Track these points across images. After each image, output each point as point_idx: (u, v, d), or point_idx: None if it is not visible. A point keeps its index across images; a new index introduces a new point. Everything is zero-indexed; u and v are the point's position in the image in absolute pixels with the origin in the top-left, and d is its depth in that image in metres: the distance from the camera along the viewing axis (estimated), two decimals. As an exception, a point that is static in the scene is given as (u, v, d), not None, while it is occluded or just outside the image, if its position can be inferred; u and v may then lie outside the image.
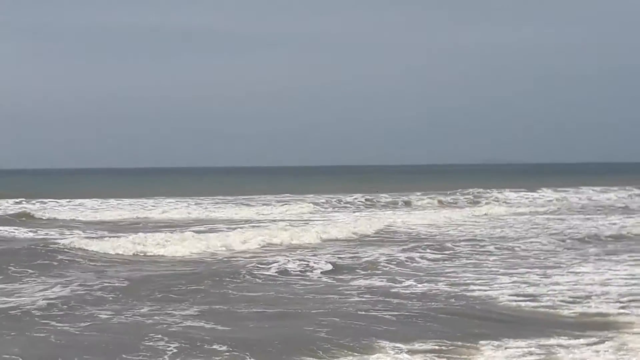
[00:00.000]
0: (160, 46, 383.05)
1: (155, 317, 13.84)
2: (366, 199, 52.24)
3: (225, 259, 22.81)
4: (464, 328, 13.04)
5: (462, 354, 11.55)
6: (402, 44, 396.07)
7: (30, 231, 31.08)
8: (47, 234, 30.18)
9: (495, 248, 24.58)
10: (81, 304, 15.08)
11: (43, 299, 15.50)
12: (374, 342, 12.01)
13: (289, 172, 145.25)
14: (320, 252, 23.85)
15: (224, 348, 11.66)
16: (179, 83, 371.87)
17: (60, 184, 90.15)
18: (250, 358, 11.28)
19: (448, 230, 31.75)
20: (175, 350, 11.54)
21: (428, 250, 23.66)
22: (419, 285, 17.53)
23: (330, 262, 21.09)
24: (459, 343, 12.02)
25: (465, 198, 54.01)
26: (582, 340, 12.16)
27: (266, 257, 22.48)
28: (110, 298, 15.87)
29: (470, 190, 57.53)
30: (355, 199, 52.30)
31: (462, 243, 25.95)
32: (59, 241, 24.96)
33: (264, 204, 48.84)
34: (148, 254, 23.84)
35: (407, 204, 50.83)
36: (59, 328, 13.11)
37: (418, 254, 22.85)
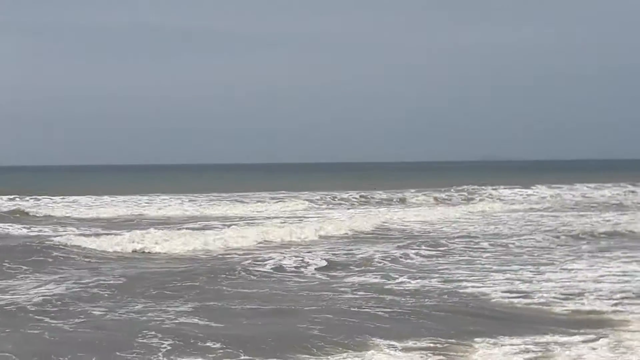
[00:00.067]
0: (160, 46, 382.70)
1: (150, 314, 13.85)
2: (361, 196, 52.20)
3: (220, 256, 22.83)
4: (458, 325, 13.05)
5: (457, 351, 11.55)
6: (402, 44, 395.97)
7: (24, 228, 31.05)
8: (41, 230, 30.13)
9: (489, 245, 24.62)
10: (75, 301, 15.08)
11: (37, 296, 15.51)
12: (368, 339, 12.03)
13: (287, 169, 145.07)
14: (315, 249, 23.87)
15: (218, 345, 11.68)
16: (179, 83, 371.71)
17: (59, 180, 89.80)
18: (243, 355, 11.30)
19: (442, 227, 31.79)
20: (169, 347, 11.56)
21: (422, 247, 23.71)
22: (413, 282, 17.55)
23: (324, 259, 21.12)
24: (454, 340, 12.02)
25: (459, 195, 54.02)
26: (578, 338, 12.17)
27: (261, 253, 22.51)
28: (105, 295, 15.87)
29: (465, 187, 57.62)
30: (350, 195, 52.24)
31: (456, 240, 25.99)
32: (53, 238, 24.97)
33: (258, 201, 48.74)
34: (143, 250, 23.86)
35: (402, 201, 50.82)
36: (53, 325, 13.12)
37: (412, 251, 22.89)
